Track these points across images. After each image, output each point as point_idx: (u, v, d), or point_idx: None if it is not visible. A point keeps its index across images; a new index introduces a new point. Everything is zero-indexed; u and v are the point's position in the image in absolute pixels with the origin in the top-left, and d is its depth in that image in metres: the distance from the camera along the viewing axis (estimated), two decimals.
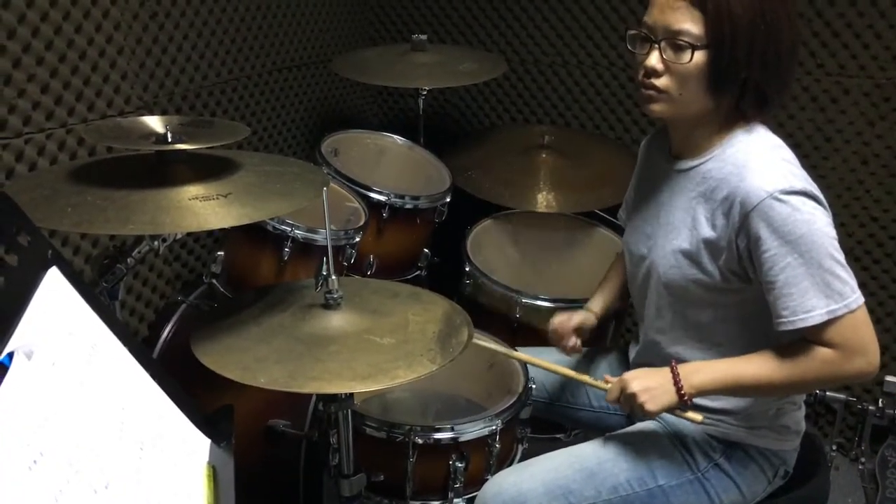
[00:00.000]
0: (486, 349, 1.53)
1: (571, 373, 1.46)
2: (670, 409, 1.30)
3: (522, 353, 1.57)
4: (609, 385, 1.36)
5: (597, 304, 1.65)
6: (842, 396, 2.36)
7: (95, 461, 0.79)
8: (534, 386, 1.56)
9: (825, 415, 2.44)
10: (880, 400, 2.32)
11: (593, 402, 1.64)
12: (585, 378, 1.43)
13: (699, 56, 1.23)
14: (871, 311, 1.23)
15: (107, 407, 0.87)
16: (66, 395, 0.80)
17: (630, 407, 1.31)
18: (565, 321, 1.59)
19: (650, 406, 1.28)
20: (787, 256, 1.20)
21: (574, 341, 1.58)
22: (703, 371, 1.29)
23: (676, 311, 1.39)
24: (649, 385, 1.29)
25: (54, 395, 0.78)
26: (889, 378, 2.30)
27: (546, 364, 1.50)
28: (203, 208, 1.14)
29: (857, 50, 2.17)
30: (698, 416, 1.32)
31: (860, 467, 2.34)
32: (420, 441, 1.41)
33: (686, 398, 1.28)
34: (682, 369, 1.29)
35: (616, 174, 2.13)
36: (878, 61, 2.15)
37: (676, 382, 1.28)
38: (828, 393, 2.36)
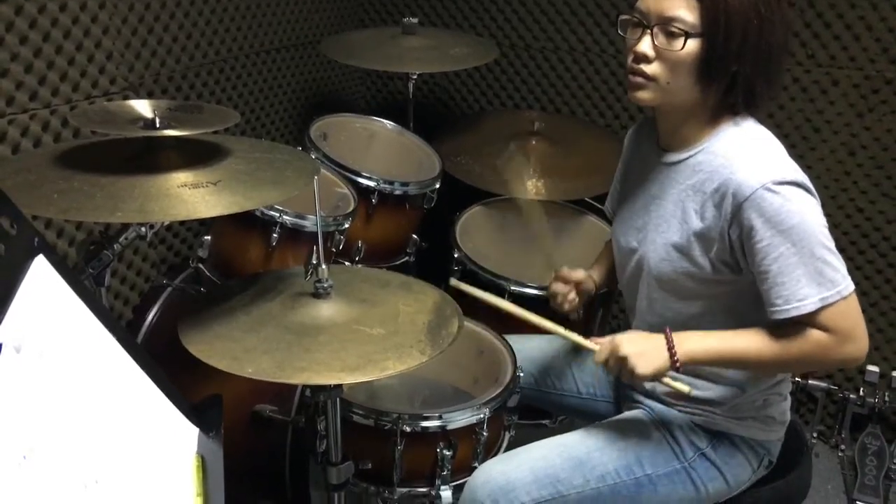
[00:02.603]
0: (471, 293, 1.50)
1: (560, 329, 1.42)
2: (659, 375, 1.29)
3: (511, 305, 1.50)
4: (598, 346, 1.34)
5: (595, 274, 1.65)
6: (823, 385, 2.39)
7: (85, 454, 0.79)
8: (521, 374, 1.56)
9: (807, 403, 2.47)
10: (861, 389, 2.35)
11: (580, 388, 1.65)
12: (574, 336, 1.40)
13: (692, 44, 1.23)
14: None
15: (95, 398, 0.86)
16: (55, 388, 0.79)
17: (619, 370, 1.29)
18: (567, 274, 1.59)
19: (641, 370, 1.26)
20: (780, 246, 1.21)
21: (573, 296, 1.58)
22: (696, 339, 1.29)
23: (667, 304, 1.39)
24: (642, 348, 1.28)
25: (44, 388, 0.77)
26: (870, 367, 2.33)
27: (534, 318, 1.45)
28: (192, 196, 1.12)
29: (847, 42, 2.17)
30: (686, 388, 1.31)
31: (840, 454, 2.38)
32: (408, 429, 1.41)
33: (678, 364, 1.27)
34: (677, 336, 1.29)
35: (606, 162, 2.12)
36: (868, 53, 2.15)
37: (670, 348, 1.27)
38: (810, 381, 2.39)
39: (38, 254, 0.85)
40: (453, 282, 1.57)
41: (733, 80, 1.26)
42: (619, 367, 1.29)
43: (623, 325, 1.59)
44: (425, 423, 1.42)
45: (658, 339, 1.29)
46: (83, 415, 0.82)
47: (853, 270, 2.32)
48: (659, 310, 1.41)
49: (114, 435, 0.86)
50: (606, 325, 2.11)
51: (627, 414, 1.50)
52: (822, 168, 2.28)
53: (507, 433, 1.59)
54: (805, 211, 1.21)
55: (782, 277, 1.21)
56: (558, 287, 1.60)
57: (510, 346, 1.63)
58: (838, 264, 1.22)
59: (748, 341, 1.27)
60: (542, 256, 1.84)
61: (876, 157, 2.23)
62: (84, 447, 0.80)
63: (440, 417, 1.43)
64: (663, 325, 1.41)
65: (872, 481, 2.23)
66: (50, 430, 0.75)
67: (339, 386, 1.25)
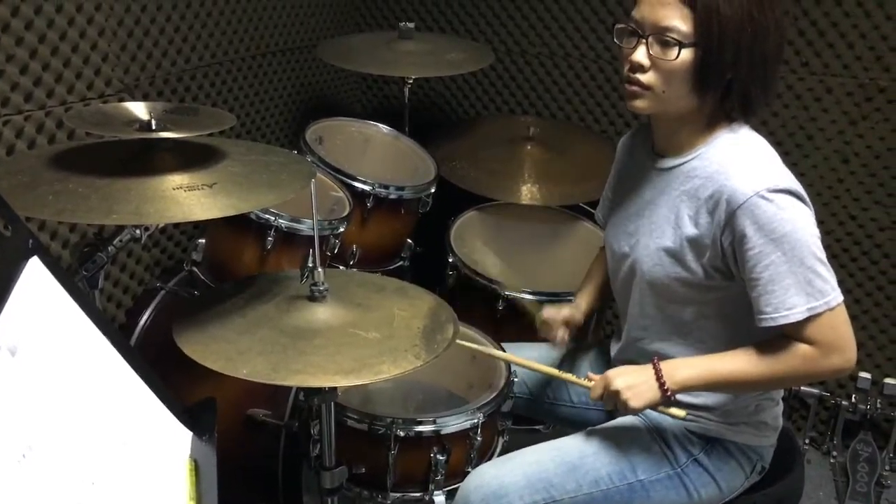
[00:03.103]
0: (471, 349, 1.53)
1: (555, 371, 1.47)
2: (653, 406, 1.31)
3: (506, 354, 1.57)
4: (592, 383, 1.37)
5: (583, 302, 1.66)
6: (816, 391, 2.40)
7: (81, 456, 0.78)
8: (516, 379, 1.56)
9: (799, 409, 2.48)
10: (853, 395, 2.36)
11: (573, 398, 1.65)
12: (569, 376, 1.44)
13: (686, 54, 1.23)
14: (847, 308, 1.24)
15: (89, 400, 0.86)
16: (49, 390, 0.79)
17: (613, 404, 1.32)
18: (555, 314, 1.60)
19: (634, 403, 1.29)
20: (771, 254, 1.21)
21: (563, 333, 1.59)
22: (685, 367, 1.31)
23: (659, 309, 1.39)
24: (633, 382, 1.30)
25: (38, 390, 0.76)
26: (862, 374, 2.35)
27: (530, 364, 1.50)
28: (188, 198, 1.12)
29: (841, 50, 2.18)
30: (681, 412, 1.33)
31: (832, 461, 2.39)
32: (402, 434, 1.41)
33: (670, 394, 1.29)
34: (665, 366, 1.30)
35: (601, 168, 2.11)
36: (862, 61, 2.17)
37: (659, 379, 1.29)
38: (802, 388, 2.40)
39: (32, 255, 0.85)
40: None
41: (728, 87, 1.27)
42: (613, 401, 1.31)
43: (616, 330, 1.59)
44: (419, 428, 1.42)
45: (647, 372, 1.31)
46: (77, 417, 0.82)
47: (846, 277, 2.34)
48: (651, 315, 1.41)
49: (108, 438, 0.86)
50: (601, 330, 2.12)
51: (621, 420, 1.50)
52: (815, 175, 2.29)
53: (500, 438, 1.59)
54: (798, 220, 1.22)
55: (772, 285, 1.22)
56: (544, 332, 1.61)
57: (503, 350, 1.63)
58: (828, 275, 1.23)
59: (736, 363, 1.28)
60: (536, 261, 1.85)
61: (869, 164, 2.24)
62: (79, 449, 0.79)
63: (434, 422, 1.43)
64: (655, 330, 1.42)
65: (864, 488, 2.24)
66: (45, 431, 0.75)
67: (334, 389, 1.25)
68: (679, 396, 1.39)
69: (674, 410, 1.33)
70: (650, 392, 1.29)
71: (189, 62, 2.10)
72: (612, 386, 1.30)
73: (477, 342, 1.68)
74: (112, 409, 0.90)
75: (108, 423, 0.88)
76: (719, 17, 1.21)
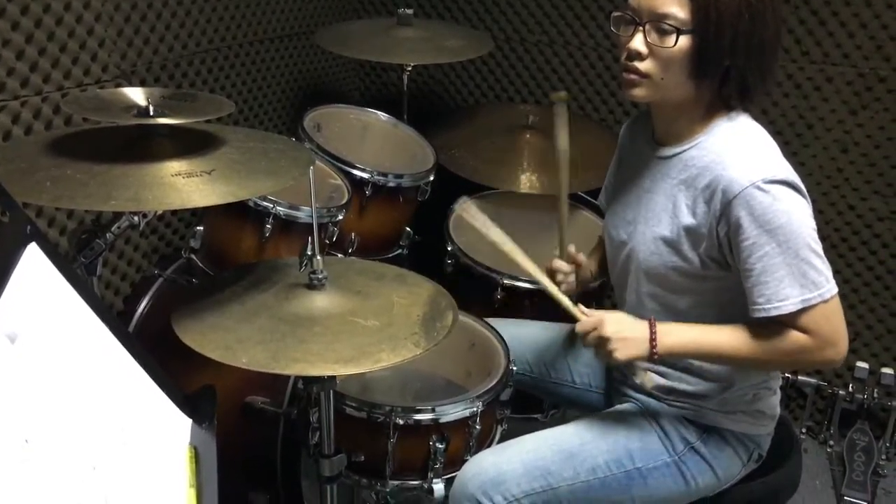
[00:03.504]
0: (474, 224, 1.44)
1: (553, 288, 1.42)
2: (634, 362, 1.32)
3: (507, 244, 1.47)
4: (583, 317, 1.35)
5: (592, 265, 1.66)
6: (813, 381, 2.41)
7: (82, 442, 0.78)
8: (515, 368, 1.56)
9: (796, 398, 2.49)
10: (850, 385, 2.37)
11: (575, 378, 1.65)
12: (564, 299, 1.40)
13: (683, 41, 1.23)
14: (845, 297, 1.25)
15: (89, 387, 0.86)
16: (49, 377, 0.78)
17: (597, 348, 1.32)
18: (574, 254, 1.58)
19: (618, 354, 1.29)
20: (766, 245, 1.21)
21: (572, 278, 1.57)
22: (676, 333, 1.31)
23: (656, 298, 1.39)
24: (624, 334, 1.30)
25: (38, 377, 0.76)
26: (859, 364, 2.35)
27: (526, 264, 1.42)
28: (186, 185, 1.11)
29: (841, 39, 2.18)
30: (651, 382, 1.35)
31: (828, 450, 2.40)
32: (401, 422, 1.41)
33: (656, 355, 1.29)
34: (660, 327, 1.30)
35: (600, 157, 2.11)
36: (862, 51, 2.16)
37: (652, 339, 1.29)
38: (799, 377, 2.41)
39: (30, 241, 0.84)
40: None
41: (726, 75, 1.26)
42: (597, 344, 1.30)
43: None
44: (418, 416, 1.42)
45: (642, 328, 1.30)
46: (77, 404, 0.82)
47: (844, 267, 2.34)
48: (648, 304, 1.41)
49: (108, 424, 0.85)
50: None
51: (618, 407, 1.51)
52: (814, 165, 2.29)
53: (499, 427, 1.59)
54: (793, 211, 1.21)
55: (765, 276, 1.22)
56: (560, 265, 1.58)
57: (503, 338, 1.63)
58: (823, 267, 1.22)
59: (728, 337, 1.29)
60: (535, 250, 1.84)
61: (868, 154, 2.24)
62: (80, 435, 0.79)
63: (433, 410, 1.43)
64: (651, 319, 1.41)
65: (860, 477, 2.25)
66: (46, 418, 0.74)
67: (333, 378, 1.25)
68: (676, 383, 1.41)
69: (648, 376, 1.34)
70: (637, 349, 1.29)
71: (186, 48, 2.09)
72: (604, 330, 1.29)
73: (474, 329, 1.68)
74: (112, 397, 0.90)
75: (107, 409, 0.87)
76: (717, 3, 1.20)
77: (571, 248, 1.60)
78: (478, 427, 1.46)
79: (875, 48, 2.14)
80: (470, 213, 1.46)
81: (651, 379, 1.37)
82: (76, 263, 1.24)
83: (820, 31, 2.19)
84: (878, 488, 2.25)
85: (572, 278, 1.59)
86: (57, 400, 0.79)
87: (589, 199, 2.20)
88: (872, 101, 2.19)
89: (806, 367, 1.34)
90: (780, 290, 1.21)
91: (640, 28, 1.25)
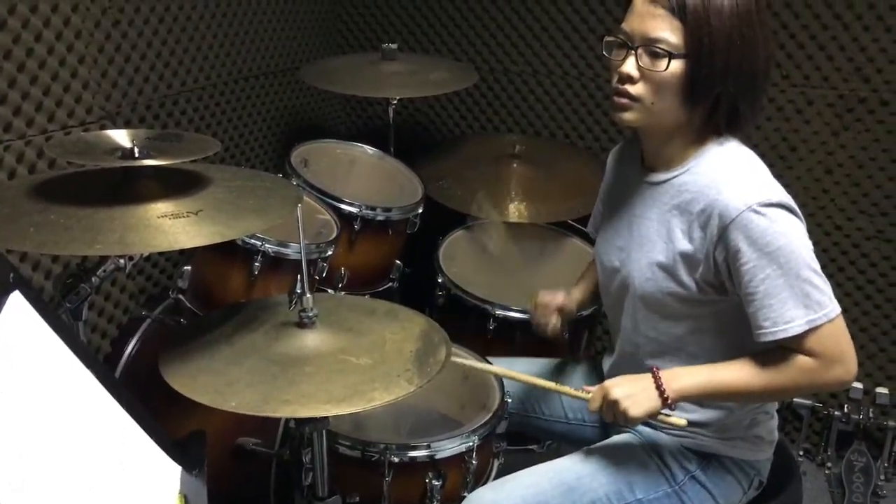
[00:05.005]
0: (464, 366, 1.51)
1: (551, 384, 1.44)
2: (653, 415, 1.29)
3: (499, 367, 1.55)
4: (590, 395, 1.34)
5: (577, 293, 1.65)
6: (808, 402, 2.40)
7: (68, 493, 0.76)
8: (510, 400, 1.55)
9: (792, 421, 2.48)
10: (845, 406, 2.36)
11: (568, 414, 1.64)
12: (566, 389, 1.41)
13: (676, 65, 1.23)
14: None
15: (75, 436, 0.84)
16: (34, 427, 0.76)
17: (612, 414, 1.29)
18: (550, 299, 1.60)
19: (634, 412, 1.27)
20: (767, 268, 1.21)
21: (556, 321, 1.58)
22: (684, 376, 1.29)
23: (652, 324, 1.39)
24: (632, 391, 1.28)
25: (22, 428, 0.74)
26: (854, 384, 2.34)
27: (525, 378, 1.47)
28: (173, 227, 1.10)
29: (820, 61, 2.21)
30: (682, 421, 1.31)
31: (827, 472, 2.38)
32: (396, 459, 1.39)
33: (670, 402, 1.27)
34: (664, 374, 1.29)
35: (587, 184, 2.13)
36: (842, 73, 2.19)
37: (659, 387, 1.27)
38: (794, 399, 2.39)
39: (13, 290, 0.83)
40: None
41: (717, 101, 1.27)
42: (612, 412, 1.29)
43: (608, 345, 1.58)
44: (413, 453, 1.40)
45: (646, 381, 1.29)
46: (63, 454, 0.80)
47: (834, 287, 2.30)
48: (644, 330, 1.40)
49: (95, 474, 0.83)
50: (592, 347, 2.11)
51: (616, 438, 1.49)
52: (799, 187, 2.30)
53: (496, 460, 1.56)
54: (791, 233, 1.21)
55: (769, 300, 1.21)
56: (539, 316, 1.60)
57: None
58: (824, 286, 1.22)
59: (736, 374, 1.27)
60: (525, 279, 1.84)
61: (852, 174, 2.26)
62: (65, 486, 0.77)
63: (428, 447, 1.40)
64: (649, 346, 1.40)
65: (860, 499, 2.23)
66: (30, 469, 0.72)
67: (326, 417, 1.23)
68: (675, 414, 1.39)
69: (674, 419, 1.31)
70: (649, 400, 1.27)
71: (171, 87, 2.08)
72: (611, 395, 1.28)
73: (471, 364, 1.67)
74: (99, 445, 0.87)
75: (95, 459, 0.85)
76: (710, 28, 1.21)
77: (543, 297, 1.61)
78: (474, 462, 1.44)
79: (854, 70, 2.17)
80: (460, 356, 1.51)
81: (679, 420, 1.32)
82: (61, 309, 1.22)
83: (799, 55, 2.22)
84: None
85: (555, 320, 1.60)
86: (41, 450, 0.77)
87: (577, 226, 2.20)
88: (854, 121, 2.21)
89: (819, 390, 1.32)
90: (785, 312, 1.20)
91: (633, 52, 1.26)
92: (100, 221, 1.09)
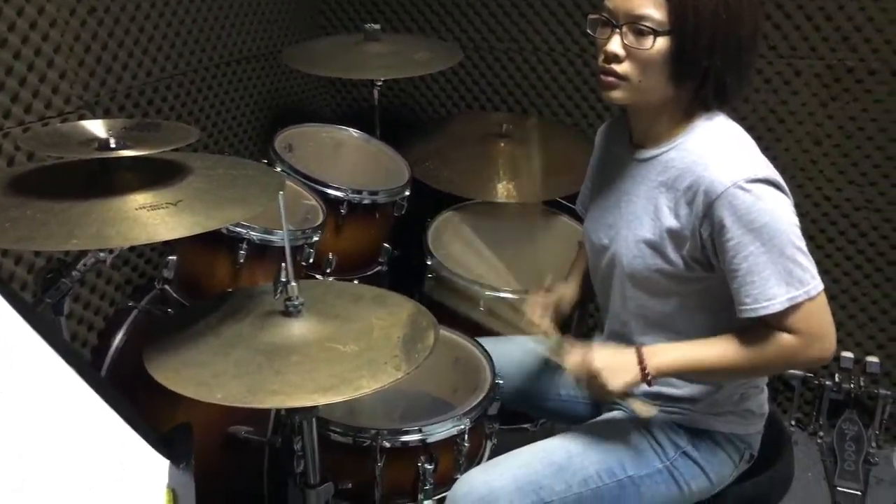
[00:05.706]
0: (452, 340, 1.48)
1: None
2: (629, 391, 1.30)
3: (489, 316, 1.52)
4: (571, 352, 1.34)
5: (569, 291, 1.64)
6: (799, 373, 2.42)
7: (53, 493, 0.75)
8: (501, 381, 1.54)
9: (783, 391, 2.49)
10: (836, 375, 2.38)
11: (561, 392, 1.64)
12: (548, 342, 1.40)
13: (661, 42, 1.22)
14: (826, 289, 1.24)
15: (59, 435, 0.83)
16: (15, 427, 0.75)
17: (589, 384, 1.30)
18: (542, 302, 1.58)
19: (612, 384, 1.27)
20: (750, 245, 1.20)
21: (548, 323, 1.57)
22: (665, 353, 1.30)
23: (640, 301, 1.38)
24: (612, 363, 1.29)
25: (3, 428, 0.73)
26: (844, 353, 2.36)
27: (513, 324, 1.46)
28: (152, 218, 1.08)
29: (808, 31, 2.19)
30: (649, 411, 1.32)
31: (818, 441, 2.40)
32: (387, 445, 1.39)
33: (649, 377, 1.28)
34: (646, 350, 1.30)
35: (575, 161, 2.11)
36: (829, 42, 2.17)
37: (641, 363, 1.28)
38: None
39: None
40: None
41: (704, 76, 1.26)
42: (590, 381, 1.30)
43: (599, 323, 1.58)
44: (405, 438, 1.40)
45: (629, 354, 1.30)
46: (46, 453, 0.79)
47: (823, 258, 2.35)
48: (632, 307, 1.40)
49: (81, 472, 0.82)
50: (584, 324, 2.10)
51: (607, 415, 1.49)
52: (787, 158, 2.29)
53: (488, 442, 1.56)
54: (776, 210, 1.21)
55: (751, 276, 1.21)
56: (533, 325, 1.58)
57: (487, 351, 1.61)
58: (808, 264, 1.22)
59: (717, 351, 1.28)
60: (516, 259, 1.83)
61: (841, 145, 2.25)
62: (50, 485, 0.76)
63: (420, 431, 1.40)
64: (637, 323, 1.40)
65: (852, 467, 2.25)
66: (12, 469, 0.71)
67: (315, 406, 1.22)
68: (664, 388, 1.39)
69: (638, 405, 1.33)
70: (629, 374, 1.28)
71: (150, 75, 2.05)
72: (592, 364, 1.29)
73: (457, 344, 1.67)
74: (83, 443, 0.87)
75: (80, 457, 0.84)
76: (694, 3, 1.20)
77: (532, 313, 1.57)
78: (467, 444, 1.44)
79: (841, 39, 2.16)
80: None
81: (649, 410, 1.34)
82: (42, 305, 1.20)
83: (786, 25, 2.20)
84: (870, 476, 2.25)
85: (546, 322, 1.57)
86: (23, 450, 0.76)
87: (566, 203, 2.19)
88: (842, 91, 2.20)
89: (798, 367, 1.33)
90: (767, 290, 1.20)
91: (617, 30, 1.24)
92: (76, 215, 1.07)
